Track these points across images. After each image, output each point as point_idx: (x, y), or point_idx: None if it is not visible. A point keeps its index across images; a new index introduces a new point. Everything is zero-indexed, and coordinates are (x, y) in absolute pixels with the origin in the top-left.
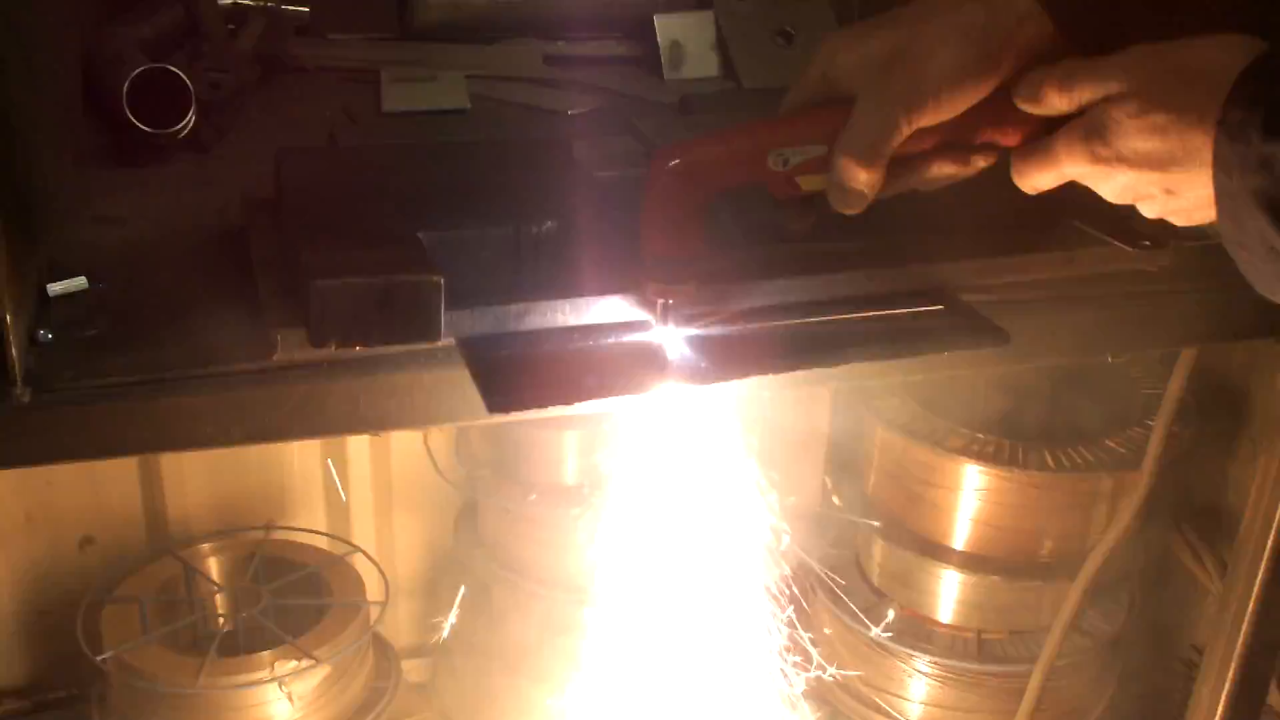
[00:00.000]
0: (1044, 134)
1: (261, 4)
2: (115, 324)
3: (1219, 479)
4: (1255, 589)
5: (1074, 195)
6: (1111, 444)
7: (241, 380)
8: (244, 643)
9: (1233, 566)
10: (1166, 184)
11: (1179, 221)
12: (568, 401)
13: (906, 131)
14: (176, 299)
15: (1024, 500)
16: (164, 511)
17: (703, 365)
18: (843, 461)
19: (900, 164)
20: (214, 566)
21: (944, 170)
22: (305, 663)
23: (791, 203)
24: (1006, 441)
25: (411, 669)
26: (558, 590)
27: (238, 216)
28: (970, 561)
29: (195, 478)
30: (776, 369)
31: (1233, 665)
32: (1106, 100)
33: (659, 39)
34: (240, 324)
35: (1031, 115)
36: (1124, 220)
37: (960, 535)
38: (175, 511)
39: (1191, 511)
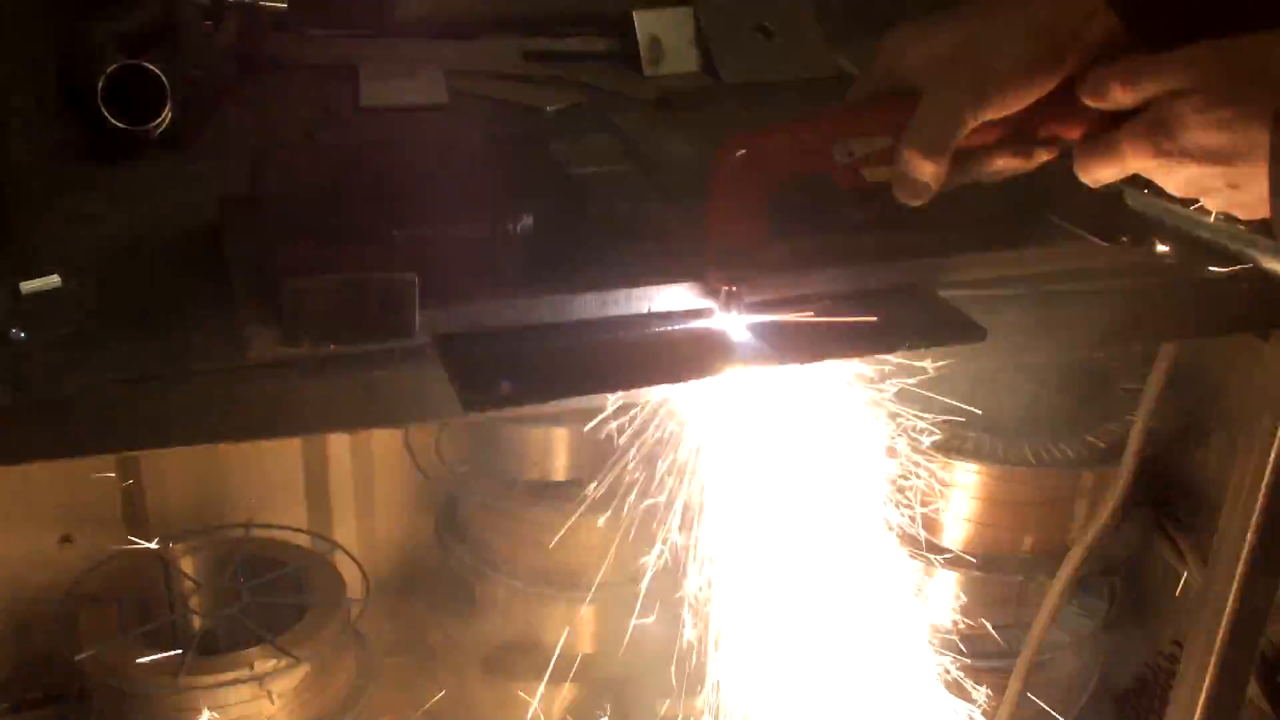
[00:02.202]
0: (1108, 128)
1: (239, 0)
2: (89, 323)
3: (1199, 473)
4: (1235, 582)
5: (1052, 192)
6: (1092, 439)
7: (216, 379)
8: (224, 641)
9: (1212, 560)
10: (1230, 178)
11: (1243, 215)
12: (543, 399)
13: (972, 125)
14: (151, 297)
15: (1006, 495)
16: (143, 509)
17: (674, 364)
18: None
19: (964, 156)
20: (193, 565)
21: (1007, 163)
22: (285, 661)
23: (856, 193)
24: (988, 437)
25: (393, 666)
26: (539, 587)
27: (214, 214)
28: (952, 557)
29: (175, 475)
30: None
31: (1213, 658)
32: (1171, 95)
33: (638, 34)
34: (215, 323)
35: (1096, 110)
36: (1102, 216)
37: (942, 531)
38: (155, 509)
39: (1172, 505)
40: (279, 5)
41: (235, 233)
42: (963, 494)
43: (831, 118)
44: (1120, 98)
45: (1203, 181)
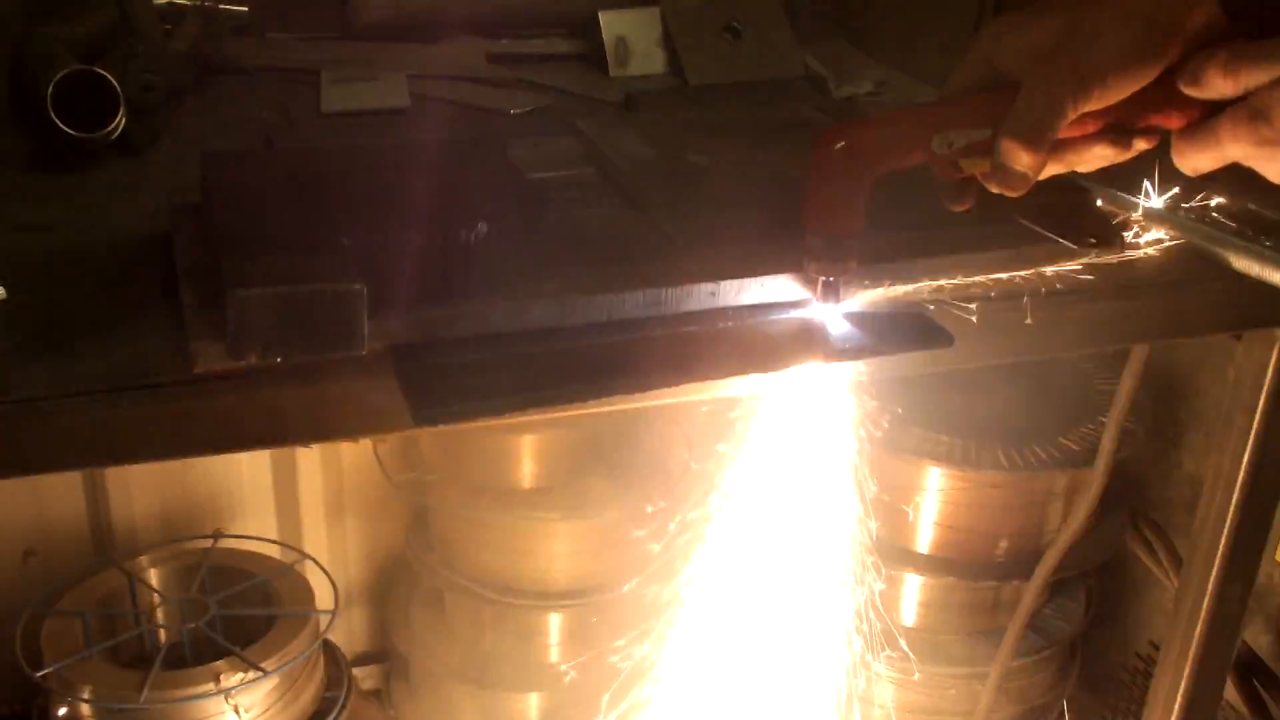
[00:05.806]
0: (1207, 117)
1: (198, 3)
2: (36, 336)
3: (1173, 474)
4: (1210, 584)
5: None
6: (1065, 441)
7: (163, 393)
8: (190, 655)
9: (1188, 562)
10: None
11: None
12: (497, 413)
13: (1072, 116)
14: (100, 310)
15: (979, 500)
16: (109, 522)
17: (634, 375)
18: None
19: (1061, 146)
20: (159, 577)
21: (1105, 152)
22: (252, 674)
23: (953, 184)
24: (960, 441)
25: (364, 677)
26: (510, 595)
27: (165, 223)
28: (926, 562)
29: (141, 487)
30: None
31: (1189, 660)
32: (1272, 83)
33: (604, 35)
34: (163, 335)
35: (1195, 99)
36: (1070, 218)
37: (915, 536)
38: (121, 522)
39: (1147, 507)
40: (239, 9)
41: (184, 242)
42: (936, 499)
43: (931, 109)
44: (1221, 87)
45: None
